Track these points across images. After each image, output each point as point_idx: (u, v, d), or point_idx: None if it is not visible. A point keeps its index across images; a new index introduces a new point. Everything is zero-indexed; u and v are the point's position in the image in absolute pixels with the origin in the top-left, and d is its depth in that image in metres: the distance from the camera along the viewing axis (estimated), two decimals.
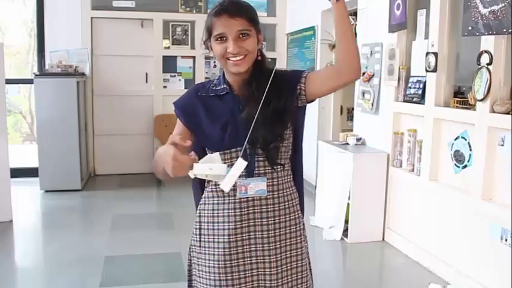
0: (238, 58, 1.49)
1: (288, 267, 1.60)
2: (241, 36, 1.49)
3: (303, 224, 1.69)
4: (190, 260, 1.68)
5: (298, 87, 1.56)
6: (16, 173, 5.47)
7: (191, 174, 1.35)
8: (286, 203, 1.61)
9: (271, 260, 1.57)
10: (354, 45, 1.48)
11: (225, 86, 1.58)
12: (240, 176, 1.51)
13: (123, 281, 3.38)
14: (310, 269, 1.72)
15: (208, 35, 1.53)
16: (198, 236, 1.63)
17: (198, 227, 1.63)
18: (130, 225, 4.62)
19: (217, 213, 1.58)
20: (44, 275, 3.59)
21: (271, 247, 1.57)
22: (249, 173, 1.54)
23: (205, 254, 1.60)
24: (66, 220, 4.80)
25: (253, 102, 1.51)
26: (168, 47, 6.71)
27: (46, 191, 5.70)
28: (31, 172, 6.05)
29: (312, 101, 1.59)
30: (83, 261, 3.71)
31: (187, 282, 1.70)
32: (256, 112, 1.46)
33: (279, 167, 1.58)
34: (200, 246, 1.62)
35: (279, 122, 1.54)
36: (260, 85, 1.52)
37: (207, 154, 1.60)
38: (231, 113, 1.55)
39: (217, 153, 1.40)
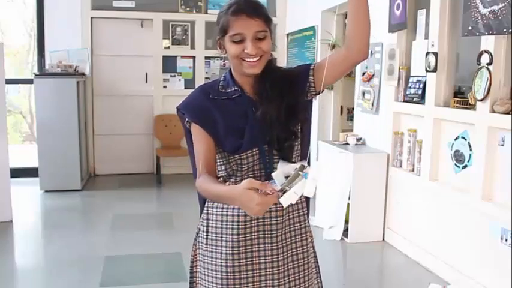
0: (254, 59, 1.46)
1: (295, 265, 1.60)
2: (258, 37, 1.46)
3: (308, 221, 1.69)
4: (195, 256, 1.66)
5: (307, 80, 1.54)
6: (16, 173, 5.47)
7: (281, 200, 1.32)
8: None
9: (279, 258, 1.57)
10: (368, 20, 1.46)
11: (236, 88, 1.54)
12: (257, 176, 1.52)
13: (123, 281, 3.37)
14: (318, 266, 1.72)
15: (223, 33, 1.48)
16: (205, 234, 1.61)
17: (205, 224, 1.62)
18: (131, 225, 4.62)
19: (226, 211, 1.57)
20: (44, 275, 3.59)
21: (278, 246, 1.57)
22: (266, 174, 1.52)
23: (211, 252, 1.59)
24: (66, 220, 4.80)
25: (267, 100, 1.51)
26: (168, 47, 6.70)
27: (46, 191, 5.70)
28: (31, 172, 6.05)
29: (321, 92, 1.58)
30: (83, 261, 3.71)
31: (189, 278, 1.69)
32: (272, 110, 1.47)
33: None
34: (207, 244, 1.60)
35: (291, 119, 1.52)
36: (273, 84, 1.52)
37: (219, 154, 1.58)
38: (245, 116, 1.52)
39: (282, 163, 1.38)
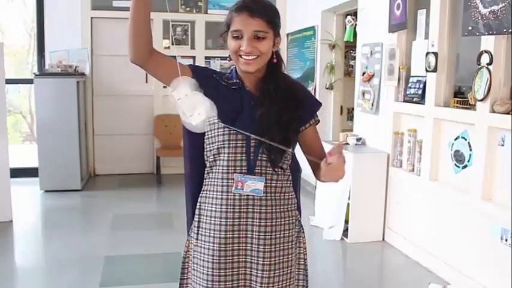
0: (250, 57, 1.50)
1: (281, 273, 1.60)
2: (257, 36, 1.49)
3: (303, 232, 1.69)
4: (187, 252, 1.68)
5: (307, 122, 1.64)
6: (16, 173, 5.47)
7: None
8: (285, 207, 1.61)
9: (265, 262, 1.57)
10: None
11: (237, 80, 1.59)
12: (241, 172, 1.53)
13: (123, 281, 3.38)
14: (306, 274, 1.72)
15: (226, 28, 1.54)
16: (196, 229, 1.64)
17: (197, 219, 1.64)
18: (131, 225, 4.62)
19: (215, 207, 1.58)
20: (44, 275, 3.59)
21: (266, 249, 1.57)
22: (249, 169, 1.55)
23: (201, 247, 1.61)
24: (66, 220, 4.80)
25: (270, 102, 1.54)
26: (168, 47, 6.70)
27: (46, 191, 5.70)
28: (31, 172, 6.05)
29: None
30: (83, 261, 3.71)
31: (179, 275, 1.70)
32: (273, 112, 1.51)
33: (280, 170, 1.58)
34: (197, 239, 1.63)
35: (292, 129, 1.57)
36: (277, 88, 1.56)
37: (205, 152, 1.60)
38: (241, 105, 1.56)
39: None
